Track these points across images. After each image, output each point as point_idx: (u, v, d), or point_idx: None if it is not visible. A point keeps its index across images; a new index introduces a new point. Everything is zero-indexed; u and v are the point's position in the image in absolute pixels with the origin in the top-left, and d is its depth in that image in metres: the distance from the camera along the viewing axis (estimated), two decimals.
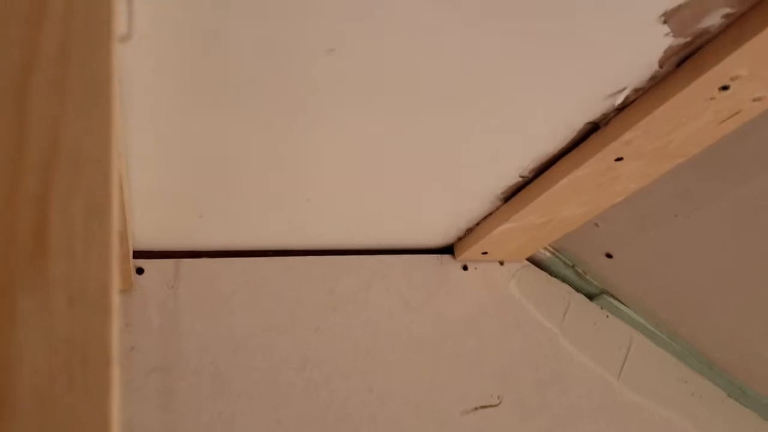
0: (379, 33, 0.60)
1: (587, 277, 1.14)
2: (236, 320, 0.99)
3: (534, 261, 1.15)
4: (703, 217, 0.90)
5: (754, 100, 0.68)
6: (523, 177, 0.90)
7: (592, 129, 0.79)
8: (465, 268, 1.13)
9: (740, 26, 0.60)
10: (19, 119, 0.20)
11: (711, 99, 0.68)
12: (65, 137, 0.20)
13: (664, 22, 0.60)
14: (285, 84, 0.65)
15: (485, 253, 1.09)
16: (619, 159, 0.80)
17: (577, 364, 1.13)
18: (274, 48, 0.60)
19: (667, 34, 0.62)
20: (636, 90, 0.71)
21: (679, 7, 0.59)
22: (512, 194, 0.95)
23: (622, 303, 1.14)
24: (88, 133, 0.21)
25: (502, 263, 1.14)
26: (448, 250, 1.12)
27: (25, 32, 0.21)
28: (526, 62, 0.67)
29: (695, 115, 0.71)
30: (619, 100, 0.72)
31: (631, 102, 0.72)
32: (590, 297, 1.15)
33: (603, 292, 1.14)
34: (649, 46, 0.64)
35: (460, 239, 1.10)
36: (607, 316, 1.16)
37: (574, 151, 0.82)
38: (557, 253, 1.14)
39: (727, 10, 0.59)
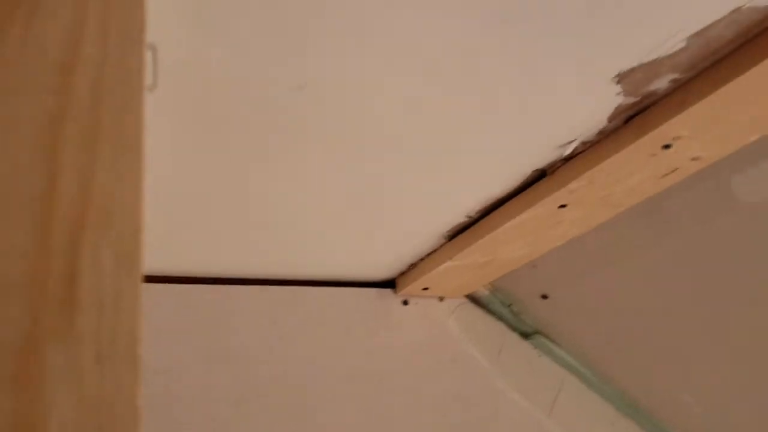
0: (344, 77, 0.61)
1: (522, 316, 1.17)
2: (171, 349, 0.97)
3: (472, 298, 1.18)
4: (636, 264, 0.95)
5: (692, 159, 0.72)
6: (469, 217, 0.92)
7: (539, 176, 0.82)
8: (405, 302, 1.14)
9: (685, 91, 0.64)
10: (51, 167, 0.20)
11: (653, 156, 0.71)
12: (96, 187, 0.20)
13: (618, 82, 0.64)
14: (248, 119, 0.66)
15: (426, 288, 1.11)
16: (562, 206, 0.83)
17: (509, 401, 1.15)
18: (249, 84, 0.60)
19: (618, 93, 0.66)
20: (584, 142, 0.74)
21: (632, 70, 0.62)
22: (457, 233, 0.97)
23: (555, 343, 1.17)
24: (119, 184, 0.21)
25: (441, 299, 1.16)
26: (390, 284, 1.13)
27: (59, 79, 0.21)
28: (483, 112, 0.69)
29: (637, 170, 0.74)
30: (568, 150, 0.75)
31: (579, 153, 0.76)
32: (525, 336, 1.18)
33: (537, 332, 1.18)
34: (601, 103, 0.67)
35: (402, 274, 1.12)
36: (540, 356, 1.19)
37: (521, 196, 0.85)
38: (495, 292, 1.16)
39: (675, 76, 0.63)
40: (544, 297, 1.10)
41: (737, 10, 0.55)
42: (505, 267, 1.03)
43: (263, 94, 0.63)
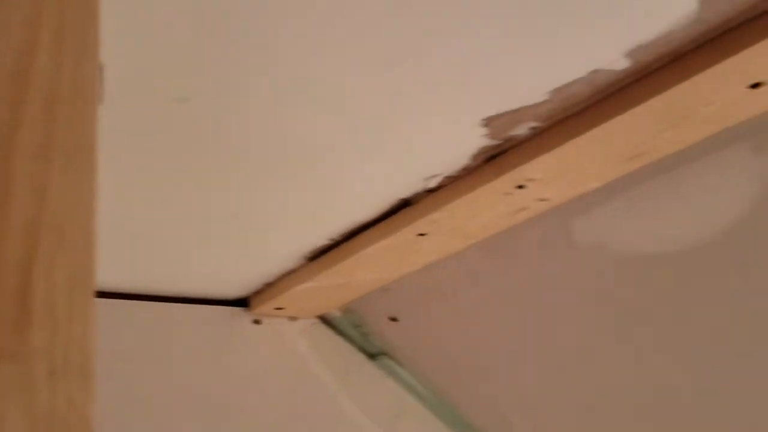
0: (219, 95, 0.62)
1: (370, 338, 1.20)
2: None
3: (324, 319, 1.19)
4: (482, 293, 1.01)
5: (541, 200, 0.79)
6: (332, 240, 0.94)
7: (403, 204, 0.86)
8: (257, 322, 1.13)
9: (542, 138, 0.71)
10: (5, 178, 0.19)
11: (508, 194, 0.78)
12: (50, 200, 0.20)
13: (484, 126, 0.69)
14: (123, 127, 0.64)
15: (280, 308, 1.11)
16: (422, 234, 0.87)
17: (353, 422, 1.18)
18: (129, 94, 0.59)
19: (483, 135, 0.71)
20: (448, 177, 0.79)
21: (498, 116, 0.68)
22: (318, 255, 0.98)
23: (400, 365, 1.22)
24: (72, 197, 0.20)
25: (293, 319, 1.16)
26: (243, 302, 1.12)
27: (12, 89, 0.20)
28: (353, 140, 0.72)
29: (492, 206, 0.81)
30: (433, 183, 0.80)
31: (443, 186, 0.80)
32: (372, 357, 1.21)
33: (383, 353, 1.22)
34: (467, 143, 0.72)
35: (257, 293, 1.11)
36: (385, 377, 1.23)
37: (385, 222, 0.88)
38: (346, 313, 1.19)
39: (535, 124, 0.69)
40: (393, 320, 1.14)
41: (596, 71, 0.61)
42: (360, 290, 1.06)
43: (143, 104, 0.61)
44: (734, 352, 0.84)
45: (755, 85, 0.61)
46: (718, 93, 0.62)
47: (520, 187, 0.76)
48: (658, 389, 0.93)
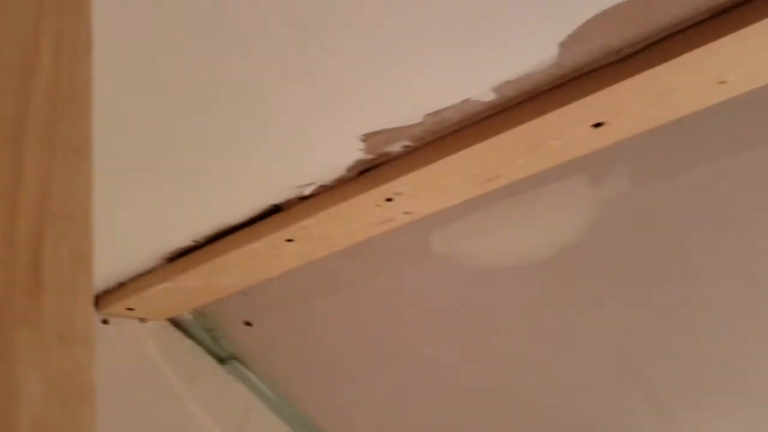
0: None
1: (222, 342, 1.21)
2: None
3: (174, 321, 1.18)
4: (340, 300, 1.06)
5: (406, 213, 0.85)
6: (195, 242, 0.95)
7: (274, 210, 0.88)
8: (105, 321, 1.10)
9: (412, 156, 0.77)
10: (16, 167, 0.20)
11: (377, 206, 0.83)
12: (54, 187, 0.21)
13: (363, 141, 0.74)
14: None
15: (131, 309, 1.09)
16: (289, 240, 0.90)
17: (199, 426, 1.18)
18: None
19: (360, 150, 0.76)
20: (321, 186, 0.83)
21: (376, 133, 0.73)
22: (179, 256, 0.98)
23: (250, 370, 1.23)
24: (73, 185, 0.22)
25: (143, 320, 1.14)
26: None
27: (18, 81, 0.21)
28: (229, 142, 0.74)
29: (361, 216, 0.86)
30: (306, 191, 0.84)
31: (315, 195, 0.84)
32: (222, 361, 1.22)
33: (234, 357, 1.22)
34: (344, 155, 0.77)
35: (106, 292, 1.08)
36: (233, 381, 1.23)
37: (253, 227, 0.90)
38: (198, 317, 1.19)
39: (408, 143, 0.75)
40: (248, 324, 1.16)
41: (466, 100, 0.68)
42: (218, 293, 1.06)
43: None
44: (563, 361, 0.95)
45: (597, 125, 0.71)
46: (566, 129, 0.71)
47: (389, 200, 0.82)
48: (496, 393, 1.02)
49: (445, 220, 0.89)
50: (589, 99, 0.67)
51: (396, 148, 0.76)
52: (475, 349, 1.00)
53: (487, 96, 0.69)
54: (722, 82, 0.65)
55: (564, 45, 0.62)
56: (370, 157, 0.78)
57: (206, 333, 1.20)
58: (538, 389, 0.99)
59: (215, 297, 1.08)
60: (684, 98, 0.67)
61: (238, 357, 1.22)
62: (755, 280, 0.83)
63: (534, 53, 0.63)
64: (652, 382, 0.96)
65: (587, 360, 0.94)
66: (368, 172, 0.80)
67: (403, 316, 1.02)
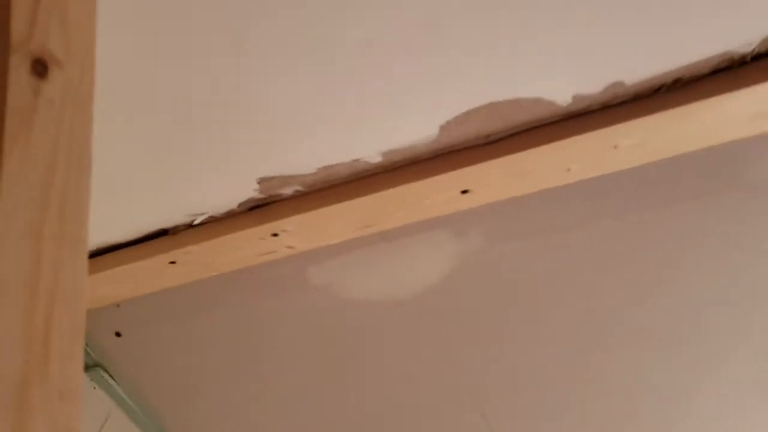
0: None
1: (88, 349, 1.22)
2: None
3: None
4: (213, 321, 1.11)
5: (288, 247, 0.93)
6: None
7: (161, 233, 0.93)
8: None
9: (301, 200, 0.85)
10: (37, 261, 0.26)
11: (262, 240, 0.90)
12: (62, 277, 0.27)
13: (258, 183, 0.81)
14: None
15: None
16: (173, 262, 0.95)
17: None
18: None
19: (255, 190, 0.83)
20: (212, 217, 0.89)
21: (272, 177, 0.80)
22: None
23: (114, 378, 1.25)
24: (74, 274, 0.28)
25: None
26: None
27: (39, 196, 0.27)
28: (123, 171, 0.78)
29: (246, 247, 0.92)
30: (197, 220, 0.89)
31: (205, 223, 0.90)
32: (86, 368, 1.23)
33: (98, 365, 1.24)
34: (238, 193, 0.83)
35: None
36: (95, 388, 1.25)
37: (139, 246, 0.94)
38: None
39: (299, 188, 0.83)
40: (118, 335, 1.18)
41: (357, 160, 0.77)
42: (93, 303, 1.08)
43: None
44: (419, 392, 1.06)
45: (465, 191, 0.82)
46: (439, 193, 0.82)
47: (275, 235, 0.89)
48: (351, 419, 1.11)
49: (323, 256, 0.97)
50: (460, 171, 0.78)
51: (287, 191, 0.84)
52: (335, 377, 1.09)
53: (375, 159, 0.78)
54: (568, 170, 0.79)
55: (443, 127, 0.73)
56: (262, 196, 0.85)
57: None
58: (396, 419, 1.10)
59: (89, 307, 1.10)
60: (537, 178, 0.80)
61: (103, 365, 1.24)
62: (575, 340, 0.98)
63: (418, 130, 0.73)
64: (494, 411, 1.09)
65: (437, 391, 1.05)
66: (258, 208, 0.87)
67: (272, 341, 1.09)
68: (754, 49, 0.65)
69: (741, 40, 0.64)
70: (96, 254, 0.97)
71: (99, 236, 0.93)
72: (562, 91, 0.69)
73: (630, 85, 0.68)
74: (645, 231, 0.86)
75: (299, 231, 0.89)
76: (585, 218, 0.87)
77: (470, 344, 1.02)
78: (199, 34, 0.60)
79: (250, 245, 0.91)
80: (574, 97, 0.70)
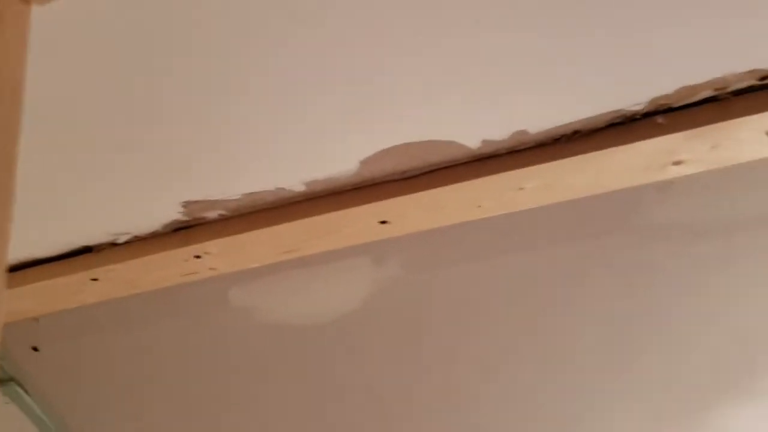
0: None
1: (3, 363, 1.21)
2: None
3: None
4: (132, 338, 1.12)
5: (211, 269, 0.95)
6: None
7: (85, 250, 0.94)
8: None
9: (225, 224, 0.88)
10: None
11: (185, 261, 0.92)
12: None
13: (183, 206, 0.84)
14: None
15: None
16: (95, 279, 0.96)
17: None
18: None
19: (179, 212, 0.85)
20: (137, 236, 0.91)
21: (197, 201, 0.83)
22: None
23: (28, 393, 1.24)
24: None
25: None
26: None
27: None
28: (45, 188, 0.80)
29: (169, 267, 0.94)
30: (121, 239, 0.91)
31: (129, 242, 0.92)
32: (0, 382, 1.21)
33: (12, 380, 1.23)
34: (163, 214, 0.86)
35: None
36: (8, 403, 1.23)
37: (61, 262, 0.95)
38: None
39: (223, 213, 0.86)
40: (35, 349, 1.17)
41: (280, 188, 0.81)
42: (10, 317, 1.08)
43: None
44: (329, 414, 1.10)
45: (383, 222, 0.86)
46: (358, 222, 0.86)
47: (198, 257, 0.92)
48: None
49: (245, 279, 1.00)
50: (378, 203, 0.83)
51: (212, 215, 0.87)
52: (250, 397, 1.11)
53: (299, 188, 0.82)
54: (479, 206, 0.84)
55: (363, 162, 0.77)
56: (186, 219, 0.87)
57: None
58: None
59: (6, 320, 1.09)
60: (450, 213, 0.86)
61: (18, 380, 1.22)
62: (482, 363, 1.04)
63: (339, 164, 0.78)
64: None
65: (348, 413, 1.09)
66: (182, 230, 0.90)
67: (190, 360, 1.11)
68: (643, 108, 0.73)
69: (632, 100, 0.71)
70: (17, 268, 0.97)
71: (22, 251, 0.94)
72: (472, 135, 0.75)
73: (534, 134, 0.75)
74: (547, 265, 0.93)
75: (222, 254, 0.91)
76: (494, 251, 0.93)
77: (385, 369, 1.06)
78: (125, 62, 0.63)
79: (173, 265, 0.93)
80: (483, 142, 0.76)
